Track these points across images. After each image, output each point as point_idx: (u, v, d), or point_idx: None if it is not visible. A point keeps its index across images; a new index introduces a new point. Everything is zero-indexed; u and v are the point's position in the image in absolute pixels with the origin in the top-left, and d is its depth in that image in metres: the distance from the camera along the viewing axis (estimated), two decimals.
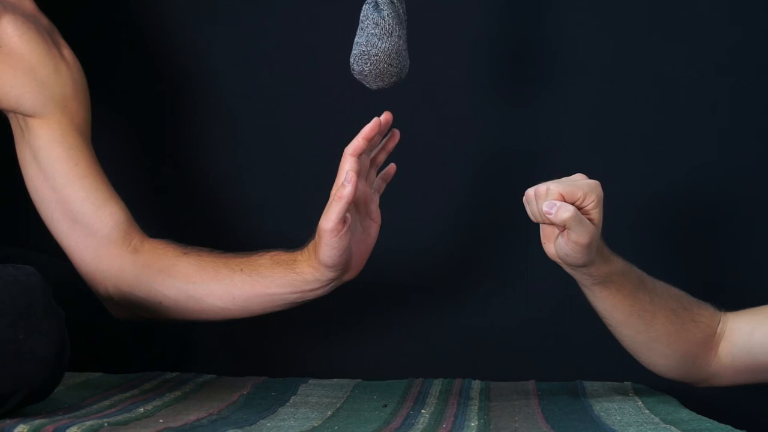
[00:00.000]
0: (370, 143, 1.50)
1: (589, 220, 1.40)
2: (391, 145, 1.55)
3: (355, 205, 1.50)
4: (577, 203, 1.40)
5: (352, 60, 1.50)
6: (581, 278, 1.47)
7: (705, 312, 1.53)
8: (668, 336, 1.50)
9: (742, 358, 1.52)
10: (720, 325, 1.53)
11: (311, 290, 1.54)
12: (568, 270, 1.46)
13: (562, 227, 1.40)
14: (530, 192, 1.43)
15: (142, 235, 1.60)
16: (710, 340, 1.53)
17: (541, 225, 1.44)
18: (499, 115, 1.85)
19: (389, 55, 1.49)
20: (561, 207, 1.39)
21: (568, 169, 1.82)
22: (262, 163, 1.87)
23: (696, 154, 1.83)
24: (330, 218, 1.46)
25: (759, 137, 1.83)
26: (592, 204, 1.40)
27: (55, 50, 1.59)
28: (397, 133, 1.54)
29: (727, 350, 1.53)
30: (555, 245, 1.43)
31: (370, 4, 1.50)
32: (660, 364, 1.54)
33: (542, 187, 1.42)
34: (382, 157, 1.55)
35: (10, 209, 1.77)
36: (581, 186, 1.41)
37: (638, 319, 1.49)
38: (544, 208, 1.39)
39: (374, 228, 1.54)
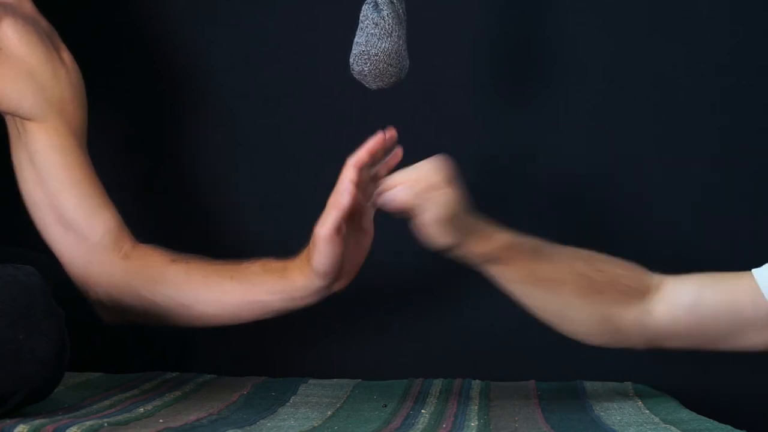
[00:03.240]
0: (373, 157, 1.50)
1: (438, 201, 1.43)
2: (393, 162, 1.55)
3: (350, 217, 1.50)
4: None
5: (351, 60, 1.50)
6: (466, 259, 1.48)
7: (630, 273, 1.51)
8: (579, 300, 1.49)
9: (685, 321, 1.50)
10: (653, 285, 1.50)
11: (301, 298, 1.54)
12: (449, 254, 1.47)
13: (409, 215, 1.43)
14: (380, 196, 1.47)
15: (133, 241, 1.60)
16: (634, 301, 1.50)
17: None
18: (499, 115, 1.84)
19: (389, 55, 1.49)
20: (396, 192, 1.44)
21: (568, 169, 1.83)
22: (262, 163, 1.87)
23: (696, 154, 1.83)
24: (326, 225, 1.47)
25: (759, 137, 1.83)
26: (437, 185, 1.44)
27: (54, 53, 1.58)
28: (399, 151, 1.54)
29: (668, 312, 1.50)
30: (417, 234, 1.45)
31: (369, 4, 1.50)
32: (580, 330, 1.53)
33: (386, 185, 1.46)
34: (382, 173, 1.55)
35: (10, 209, 1.77)
36: (412, 171, 1.45)
37: (540, 289, 1.49)
38: (380, 200, 1.45)
39: (366, 241, 1.54)
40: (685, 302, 1.50)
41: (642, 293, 1.50)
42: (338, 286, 1.54)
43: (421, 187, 1.43)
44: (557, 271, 1.48)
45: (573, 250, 1.51)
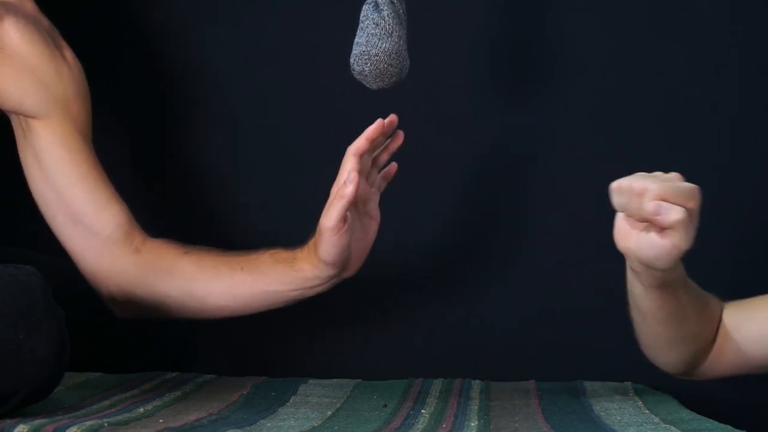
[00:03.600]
0: (373, 144, 1.50)
1: (693, 231, 1.33)
2: (394, 146, 1.55)
3: (355, 203, 1.51)
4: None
5: (352, 60, 1.50)
6: (645, 278, 1.40)
7: (716, 309, 1.50)
8: (691, 335, 1.48)
9: (729, 353, 1.51)
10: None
11: (311, 287, 1.55)
12: (635, 267, 1.38)
13: (659, 228, 1.32)
14: (624, 184, 1.32)
15: (144, 235, 1.61)
16: (715, 338, 1.51)
17: (620, 218, 1.35)
18: (499, 115, 1.85)
19: (389, 55, 1.49)
20: (671, 209, 1.30)
21: (568, 170, 1.83)
22: (262, 163, 1.87)
23: (696, 155, 1.83)
24: (331, 216, 1.47)
25: (759, 137, 1.83)
26: (693, 211, 1.33)
27: (56, 52, 1.59)
28: (401, 134, 1.54)
29: (717, 345, 1.51)
30: (638, 243, 1.34)
31: (370, 4, 1.50)
32: (671, 360, 1.52)
33: (639, 184, 1.31)
34: (384, 158, 1.56)
35: (10, 209, 1.77)
36: (682, 190, 1.32)
37: (675, 318, 1.45)
38: (650, 208, 1.30)
39: (373, 226, 1.54)
40: (729, 335, 1.50)
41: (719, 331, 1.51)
42: (347, 274, 1.55)
43: (690, 217, 1.32)
44: (689, 305, 1.45)
45: (694, 283, 1.46)
